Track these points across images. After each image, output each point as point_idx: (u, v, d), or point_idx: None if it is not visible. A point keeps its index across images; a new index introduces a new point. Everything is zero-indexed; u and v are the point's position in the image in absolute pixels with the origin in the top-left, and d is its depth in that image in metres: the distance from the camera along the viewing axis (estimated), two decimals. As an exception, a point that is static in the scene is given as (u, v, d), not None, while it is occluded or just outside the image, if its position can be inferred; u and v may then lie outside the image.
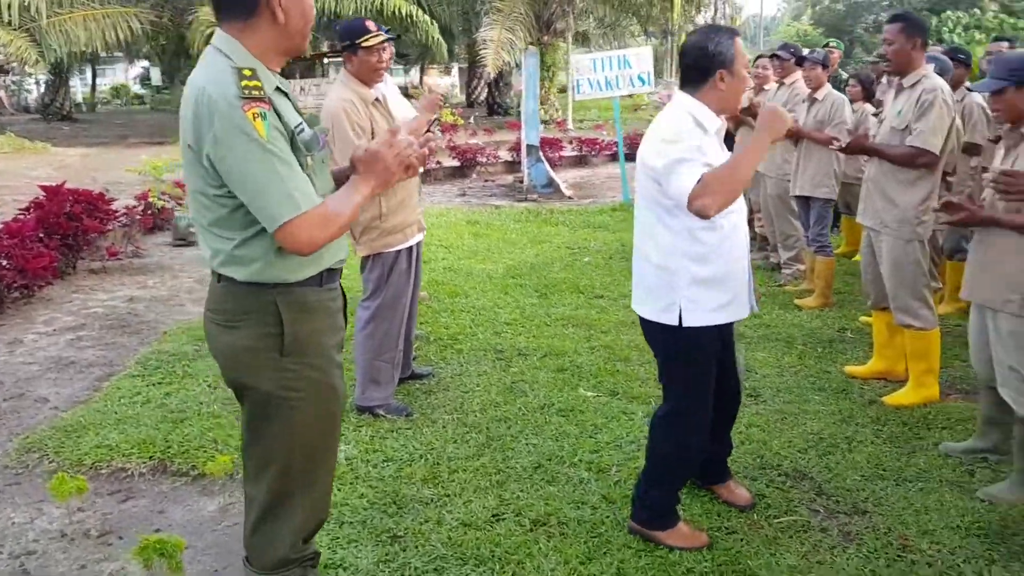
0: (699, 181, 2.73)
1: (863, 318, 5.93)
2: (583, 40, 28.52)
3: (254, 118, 2.01)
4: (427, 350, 5.31)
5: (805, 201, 6.32)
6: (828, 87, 6.25)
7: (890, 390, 4.66)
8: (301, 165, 2.10)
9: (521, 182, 12.15)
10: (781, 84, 6.84)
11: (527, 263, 7.71)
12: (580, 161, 15.64)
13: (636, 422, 4.20)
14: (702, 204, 2.73)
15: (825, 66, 6.17)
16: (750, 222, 7.64)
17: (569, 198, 11.63)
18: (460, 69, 40.64)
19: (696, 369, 3.13)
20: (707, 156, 2.84)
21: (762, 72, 7.37)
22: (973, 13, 31.26)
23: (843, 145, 4.61)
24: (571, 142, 16.31)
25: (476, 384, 4.75)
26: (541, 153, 12.11)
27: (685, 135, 2.86)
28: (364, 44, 4.07)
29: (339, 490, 3.53)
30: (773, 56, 6.92)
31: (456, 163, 14.06)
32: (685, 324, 3.00)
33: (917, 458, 3.86)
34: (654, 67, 10.70)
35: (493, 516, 3.37)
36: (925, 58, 4.45)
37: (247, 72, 2.06)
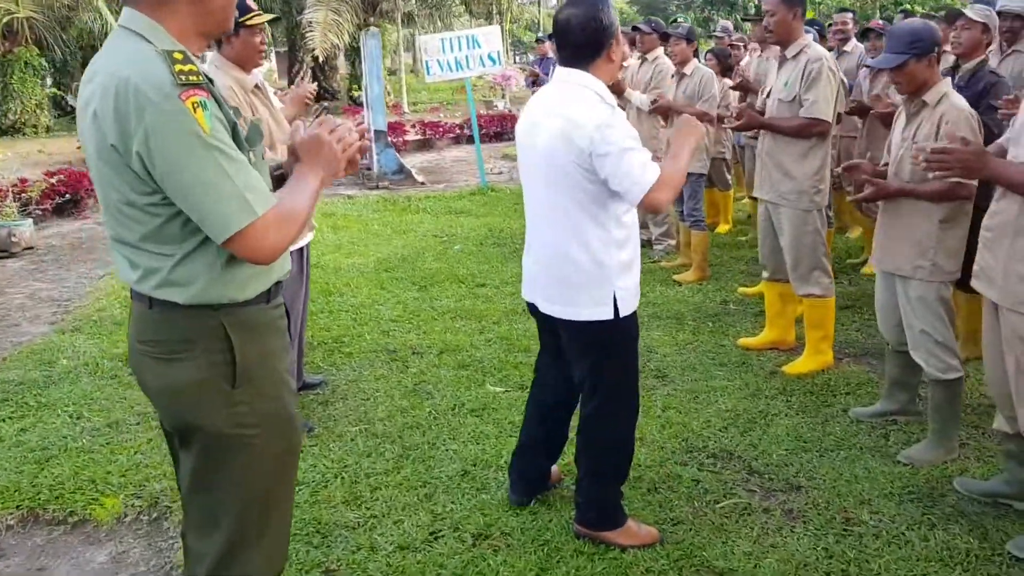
0: (658, 177, 2.63)
1: (742, 289, 6.05)
2: (408, 21, 28.05)
3: (194, 108, 1.70)
4: (312, 356, 4.94)
5: (678, 176, 6.34)
6: (695, 61, 6.29)
7: (785, 359, 4.73)
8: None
9: (369, 169, 11.73)
10: (644, 59, 6.84)
11: (397, 255, 7.40)
12: (425, 145, 15.35)
13: (553, 415, 4.05)
14: (660, 199, 2.67)
15: (690, 40, 6.20)
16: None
17: (422, 184, 11.33)
18: (278, 54, 39.15)
19: (631, 358, 3.03)
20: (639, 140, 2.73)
21: (619, 49, 7.36)
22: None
23: (736, 123, 4.59)
24: (414, 126, 15.98)
25: (376, 389, 4.45)
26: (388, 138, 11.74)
27: (616, 119, 2.71)
28: (248, 23, 3.67)
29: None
30: (634, 29, 6.89)
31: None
32: (622, 314, 2.87)
33: (832, 426, 3.91)
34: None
35: (430, 534, 3.12)
36: (803, 28, 4.50)
37: (177, 55, 1.73)
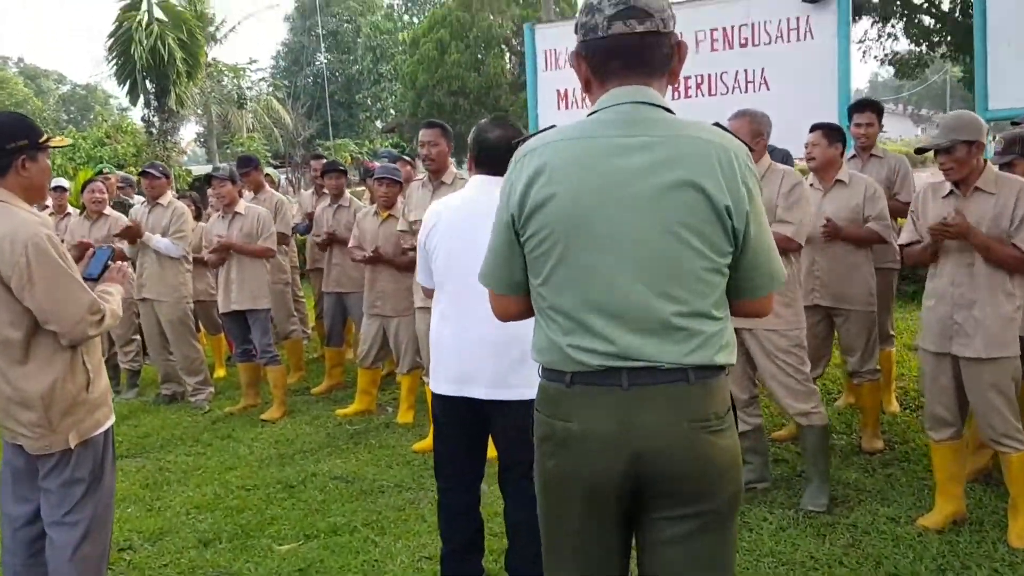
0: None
1: (339, 411, 6.08)
2: None
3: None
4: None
5: (241, 316, 6.11)
6: (252, 197, 6.22)
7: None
8: None
9: None
10: (156, 204, 6.43)
11: None
12: None
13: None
14: None
15: (234, 181, 6.15)
16: (113, 355, 6.86)
17: None
18: None
19: None
20: None
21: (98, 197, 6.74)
22: None
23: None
24: None
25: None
26: None
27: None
28: (49, 143, 2.79)
29: None
30: (145, 174, 6.42)
31: None
32: None
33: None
34: None
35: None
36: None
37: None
